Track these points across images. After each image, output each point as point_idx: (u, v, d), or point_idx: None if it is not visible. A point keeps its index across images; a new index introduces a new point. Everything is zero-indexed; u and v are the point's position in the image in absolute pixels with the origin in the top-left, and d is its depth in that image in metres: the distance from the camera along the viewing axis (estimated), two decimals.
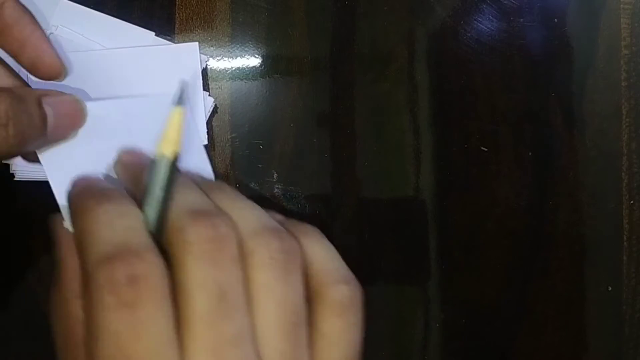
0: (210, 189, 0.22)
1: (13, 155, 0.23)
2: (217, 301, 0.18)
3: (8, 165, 0.31)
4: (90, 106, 0.25)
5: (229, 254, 0.19)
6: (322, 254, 0.21)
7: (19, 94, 0.23)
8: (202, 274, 0.18)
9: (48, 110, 0.23)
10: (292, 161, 0.35)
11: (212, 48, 0.34)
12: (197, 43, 0.33)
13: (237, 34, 0.35)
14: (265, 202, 0.35)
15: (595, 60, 0.37)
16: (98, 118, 0.25)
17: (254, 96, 0.35)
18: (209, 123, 0.34)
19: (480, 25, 0.36)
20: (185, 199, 0.20)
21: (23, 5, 0.25)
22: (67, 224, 0.23)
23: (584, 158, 0.36)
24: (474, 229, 0.36)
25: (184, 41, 0.34)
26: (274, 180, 0.35)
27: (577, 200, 0.37)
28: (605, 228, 0.37)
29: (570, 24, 0.36)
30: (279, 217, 0.22)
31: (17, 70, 0.26)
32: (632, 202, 0.37)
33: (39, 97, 0.23)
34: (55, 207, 0.23)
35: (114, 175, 0.24)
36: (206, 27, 0.34)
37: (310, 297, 0.20)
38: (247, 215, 0.21)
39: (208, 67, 0.34)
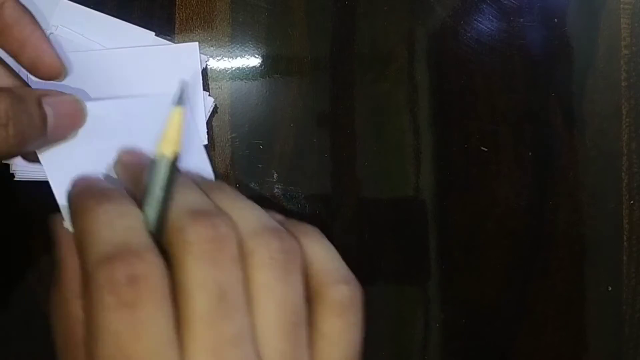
0: (210, 189, 0.22)
1: (13, 155, 0.23)
2: (217, 301, 0.18)
3: (8, 165, 0.31)
4: (90, 106, 0.25)
5: (229, 254, 0.19)
6: (322, 253, 0.21)
7: (18, 93, 0.22)
8: (202, 274, 0.18)
9: (48, 110, 0.23)
10: (292, 161, 0.35)
11: (212, 48, 0.34)
12: (197, 43, 0.33)
13: (237, 34, 0.35)
14: (265, 202, 0.35)
15: (595, 60, 0.37)
16: (98, 118, 0.25)
17: (254, 96, 0.35)
18: (209, 123, 0.34)
19: (480, 25, 0.36)
20: (185, 198, 0.20)
21: (23, 5, 0.25)
22: (67, 224, 0.23)
23: (584, 158, 0.36)
24: (474, 229, 0.36)
25: (184, 41, 0.34)
26: (274, 180, 0.35)
27: (577, 200, 0.37)
28: (605, 228, 0.37)
29: (570, 24, 0.36)
30: (279, 217, 0.22)
31: (17, 71, 0.26)
32: (632, 202, 0.37)
33: (39, 97, 0.23)
34: (55, 207, 0.23)
35: (114, 176, 0.24)
36: (206, 27, 0.34)
37: (310, 297, 0.20)
38: (247, 215, 0.21)
39: (208, 67, 0.34)
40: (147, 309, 0.17)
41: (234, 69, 0.35)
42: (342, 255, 0.22)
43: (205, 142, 0.33)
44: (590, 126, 0.37)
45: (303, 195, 0.35)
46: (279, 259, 0.19)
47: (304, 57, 0.35)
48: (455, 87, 0.36)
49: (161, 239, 0.20)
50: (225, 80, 0.35)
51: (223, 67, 0.35)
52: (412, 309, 0.36)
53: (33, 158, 0.24)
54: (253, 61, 0.35)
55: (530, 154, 0.36)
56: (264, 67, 0.35)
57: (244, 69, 0.35)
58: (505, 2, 0.36)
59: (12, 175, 0.31)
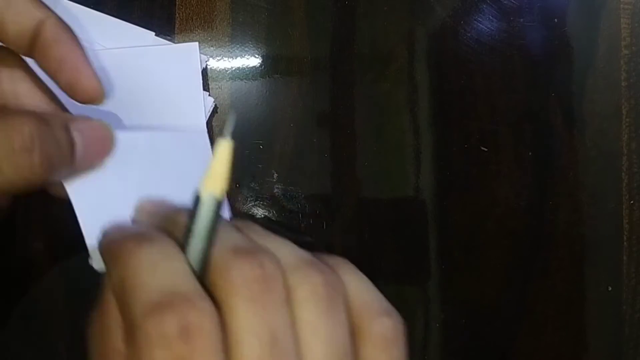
0: (241, 227, 0.21)
1: (37, 184, 0.21)
2: (269, 347, 0.17)
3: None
4: (119, 137, 0.24)
5: (277, 294, 0.18)
6: (360, 286, 0.21)
7: (44, 117, 0.21)
8: (252, 318, 0.17)
9: (76, 136, 0.21)
10: (292, 161, 0.35)
11: (212, 48, 0.34)
12: (197, 43, 0.33)
13: (237, 34, 0.35)
14: (265, 202, 0.35)
15: (595, 60, 0.37)
16: (127, 149, 0.24)
17: (254, 96, 0.35)
18: (209, 123, 0.34)
19: (480, 25, 0.36)
20: (227, 237, 0.19)
21: (64, 23, 0.24)
22: (95, 262, 0.22)
23: (584, 158, 0.36)
24: (474, 229, 0.36)
25: (184, 41, 0.34)
26: (274, 180, 0.35)
27: (577, 200, 0.37)
28: (605, 228, 0.37)
29: (570, 24, 0.36)
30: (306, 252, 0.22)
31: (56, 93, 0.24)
32: (632, 202, 0.37)
33: (66, 122, 0.21)
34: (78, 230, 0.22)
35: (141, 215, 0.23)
36: (206, 27, 0.34)
37: (353, 330, 0.20)
38: (285, 250, 0.20)
39: (208, 67, 0.34)
40: None
41: (234, 69, 0.35)
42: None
43: None
44: (590, 126, 0.37)
45: (303, 195, 0.35)
46: (323, 293, 0.19)
47: (304, 57, 0.35)
48: (455, 87, 0.36)
49: (204, 280, 0.19)
50: (225, 80, 0.35)
51: (223, 67, 0.35)
52: (412, 309, 0.36)
53: (57, 191, 0.23)
54: (253, 61, 0.35)
55: (530, 154, 0.36)
56: (264, 67, 0.35)
57: (244, 69, 0.35)
58: (505, 2, 0.36)
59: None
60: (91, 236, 0.22)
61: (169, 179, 0.24)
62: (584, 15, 0.37)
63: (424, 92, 0.36)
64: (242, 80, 0.35)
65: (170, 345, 0.16)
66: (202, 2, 0.34)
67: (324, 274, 0.19)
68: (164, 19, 0.34)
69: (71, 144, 0.21)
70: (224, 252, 0.18)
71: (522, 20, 0.36)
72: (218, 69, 0.35)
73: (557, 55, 0.36)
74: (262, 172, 0.35)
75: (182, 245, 0.19)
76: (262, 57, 0.35)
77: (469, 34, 0.36)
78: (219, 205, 0.20)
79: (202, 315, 0.17)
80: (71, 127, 0.21)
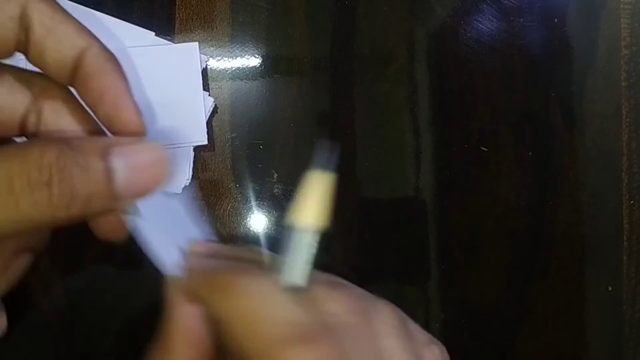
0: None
1: (64, 221, 0.19)
2: None
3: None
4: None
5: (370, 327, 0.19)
6: (402, 316, 0.22)
7: (73, 144, 0.19)
8: None
9: (118, 162, 0.19)
10: (292, 161, 0.35)
11: (212, 48, 0.34)
12: (197, 43, 0.33)
13: (237, 34, 0.35)
14: (265, 202, 0.35)
15: (595, 60, 0.37)
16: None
17: (254, 96, 0.35)
18: (209, 123, 0.34)
19: (480, 25, 0.36)
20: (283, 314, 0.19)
21: (108, 52, 0.22)
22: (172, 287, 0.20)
23: (584, 158, 0.36)
24: (474, 229, 0.36)
25: (184, 41, 0.34)
26: (274, 180, 0.35)
27: (577, 200, 0.37)
28: (605, 228, 0.37)
29: (570, 24, 0.36)
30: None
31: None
32: (632, 202, 0.37)
33: (105, 148, 0.20)
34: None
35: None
36: (206, 27, 0.34)
37: None
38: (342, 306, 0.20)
39: (208, 67, 0.34)
40: None
41: (234, 69, 0.35)
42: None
43: (205, 142, 0.33)
44: (590, 126, 0.37)
45: None
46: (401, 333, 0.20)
47: (304, 57, 0.35)
48: (455, 87, 0.36)
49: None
50: (225, 80, 0.35)
51: (223, 67, 0.35)
52: (412, 309, 0.36)
53: (106, 226, 0.21)
54: (253, 61, 0.35)
55: (530, 154, 0.36)
56: (264, 67, 0.35)
57: (244, 69, 0.35)
58: (505, 2, 0.36)
59: None
60: (169, 268, 0.21)
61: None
62: (584, 15, 0.37)
63: (424, 92, 0.36)
64: (242, 80, 0.35)
65: None
66: (202, 2, 0.34)
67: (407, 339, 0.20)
68: (164, 19, 0.34)
69: (107, 171, 0.19)
70: (279, 338, 0.18)
71: (522, 20, 0.36)
72: (218, 69, 0.35)
73: (557, 55, 0.36)
74: (262, 172, 0.35)
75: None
76: (262, 57, 0.35)
77: (469, 34, 0.36)
78: (314, 239, 0.20)
79: (331, 347, 0.17)
80: (113, 152, 0.20)
